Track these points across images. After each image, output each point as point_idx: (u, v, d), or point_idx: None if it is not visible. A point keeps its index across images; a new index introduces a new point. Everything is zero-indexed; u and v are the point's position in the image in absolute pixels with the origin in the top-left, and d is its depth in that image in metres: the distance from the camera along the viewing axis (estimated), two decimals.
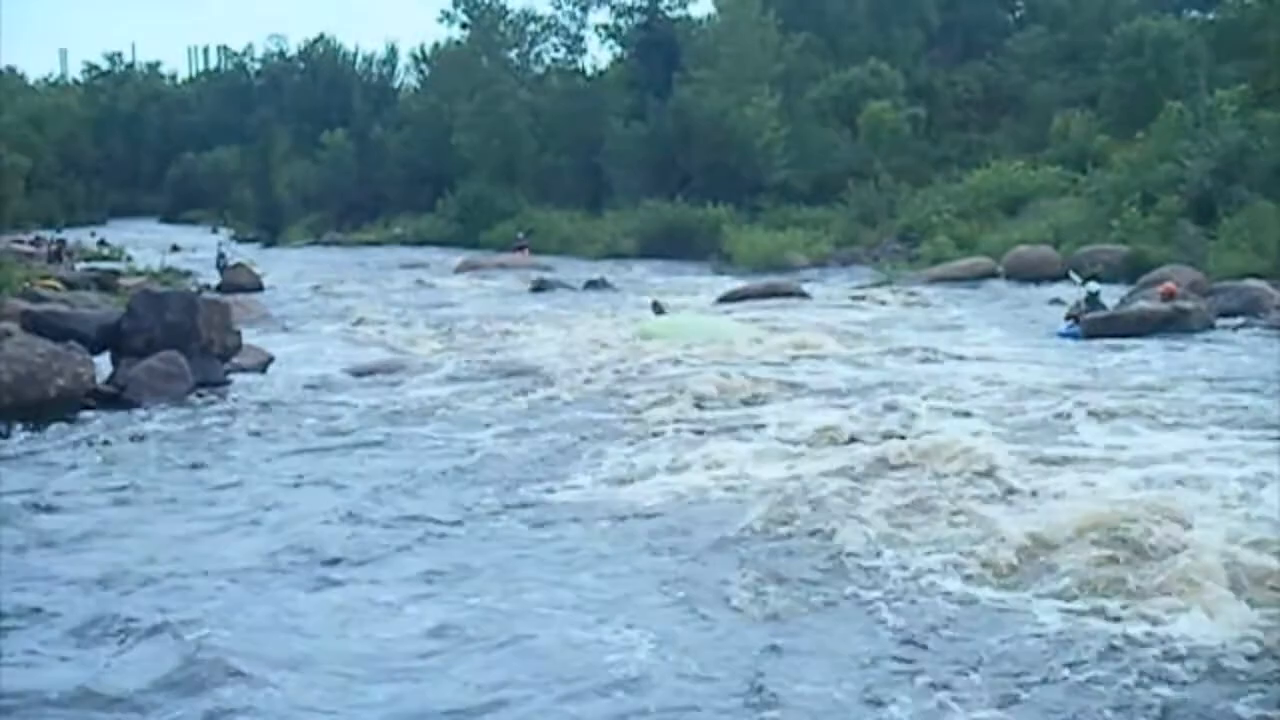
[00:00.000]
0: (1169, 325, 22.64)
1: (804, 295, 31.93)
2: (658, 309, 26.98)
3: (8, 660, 8.09)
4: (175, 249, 53.38)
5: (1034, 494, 11.37)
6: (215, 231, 73.95)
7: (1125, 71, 46.80)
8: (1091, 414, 14.78)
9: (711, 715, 7.28)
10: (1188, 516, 10.14)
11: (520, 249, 48.41)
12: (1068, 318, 23.88)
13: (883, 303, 30.63)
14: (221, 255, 46.42)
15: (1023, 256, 34.58)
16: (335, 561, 10.11)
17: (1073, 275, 27.24)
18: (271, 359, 20.64)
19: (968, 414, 15.29)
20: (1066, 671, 7.72)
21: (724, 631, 8.56)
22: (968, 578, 9.35)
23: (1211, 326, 23.04)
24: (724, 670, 7.86)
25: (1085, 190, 39.89)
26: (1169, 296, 23.68)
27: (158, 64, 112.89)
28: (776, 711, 7.27)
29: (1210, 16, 53.53)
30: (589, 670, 7.85)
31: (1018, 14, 63.85)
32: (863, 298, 31.53)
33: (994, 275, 34.63)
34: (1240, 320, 23.57)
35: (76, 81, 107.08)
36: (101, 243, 56.44)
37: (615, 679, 7.71)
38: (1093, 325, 22.93)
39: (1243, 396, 16.09)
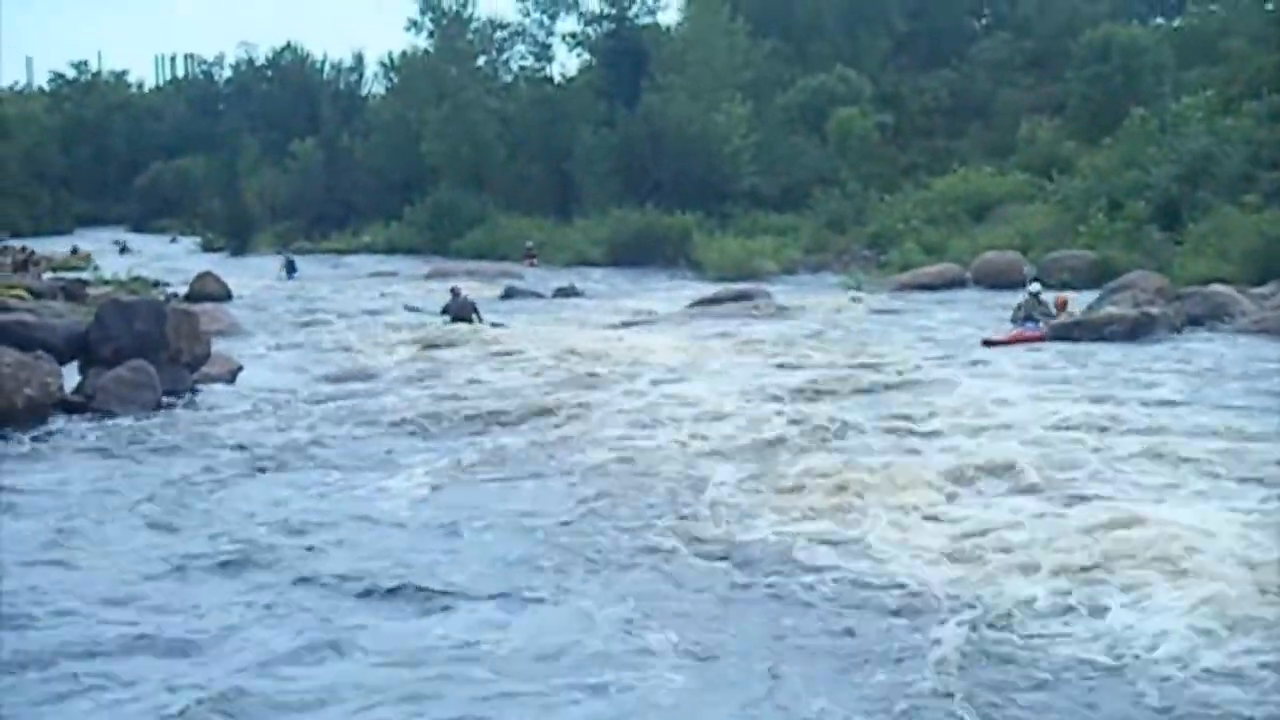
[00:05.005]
0: (1137, 331, 22.82)
1: (770, 300, 32.04)
2: None
3: None
4: (124, 250, 53.87)
5: None
6: (175, 240, 73.64)
7: (1091, 78, 47.04)
8: None
9: None
10: None
11: (530, 258, 49.15)
12: (1013, 320, 24.09)
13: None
14: (289, 263, 46.62)
15: (991, 262, 34.70)
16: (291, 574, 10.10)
17: (1025, 270, 27.51)
18: (240, 368, 20.53)
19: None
20: None
21: None
22: None
23: (1178, 331, 23.23)
24: None
25: (1052, 196, 40.07)
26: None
27: (124, 72, 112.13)
28: None
29: (1175, 23, 54.00)
30: None
31: (984, 21, 64.10)
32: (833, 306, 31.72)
33: (962, 281, 34.75)
34: (1205, 326, 23.75)
35: (42, 90, 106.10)
36: (123, 249, 56.75)
37: None
38: (1060, 330, 23.10)
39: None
